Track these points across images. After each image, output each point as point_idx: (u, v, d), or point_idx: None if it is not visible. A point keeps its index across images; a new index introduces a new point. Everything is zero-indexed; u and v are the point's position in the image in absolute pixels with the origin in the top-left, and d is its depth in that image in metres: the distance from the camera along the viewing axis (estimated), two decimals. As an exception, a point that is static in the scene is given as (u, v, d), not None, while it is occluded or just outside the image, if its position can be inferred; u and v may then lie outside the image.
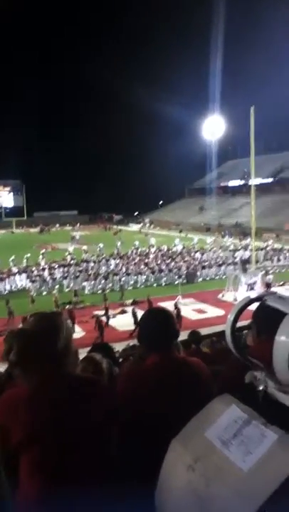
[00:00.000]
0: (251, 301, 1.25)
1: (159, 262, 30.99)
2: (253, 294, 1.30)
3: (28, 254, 34.89)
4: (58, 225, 76.22)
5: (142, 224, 74.76)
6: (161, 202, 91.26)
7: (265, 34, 76.38)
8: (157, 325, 2.08)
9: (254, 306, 1.51)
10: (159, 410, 1.81)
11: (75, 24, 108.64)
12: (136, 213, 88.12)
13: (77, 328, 19.15)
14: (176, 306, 19.76)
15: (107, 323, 19.81)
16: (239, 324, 1.35)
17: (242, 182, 75.46)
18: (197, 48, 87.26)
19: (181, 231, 60.31)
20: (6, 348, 1.62)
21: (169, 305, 20.25)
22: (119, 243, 41.00)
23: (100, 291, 25.69)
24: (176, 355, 2.09)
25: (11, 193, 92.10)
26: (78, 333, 18.49)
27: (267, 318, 1.79)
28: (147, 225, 73.93)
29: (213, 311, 21.57)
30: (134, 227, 73.26)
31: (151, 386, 1.90)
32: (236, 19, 76.93)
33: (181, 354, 2.67)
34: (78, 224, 71.55)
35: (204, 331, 10.38)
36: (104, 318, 19.78)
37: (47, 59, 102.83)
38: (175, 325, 2.15)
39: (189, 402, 1.51)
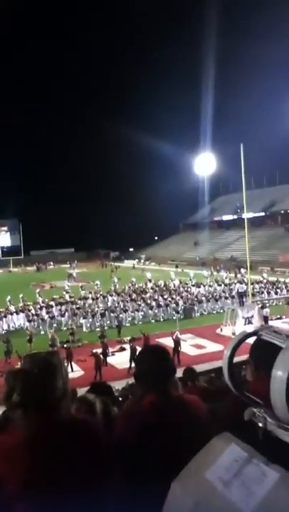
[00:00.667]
0: (247, 336, 1.25)
1: (156, 297, 30.88)
2: (251, 328, 1.30)
3: (22, 294, 34.68)
4: (52, 263, 76.19)
5: (136, 260, 74.93)
6: (156, 238, 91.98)
7: (254, 73, 79.49)
8: (153, 363, 2.06)
9: (252, 340, 1.51)
10: (157, 451, 1.77)
11: (68, 63, 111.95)
12: (131, 249, 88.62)
13: (75, 367, 18.89)
14: (175, 340, 19.51)
15: (105, 361, 19.51)
16: (238, 359, 1.34)
17: (235, 216, 76.40)
18: (188, 86, 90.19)
19: (177, 266, 60.44)
20: (8, 390, 1.60)
21: (167, 341, 20.06)
22: (116, 280, 40.97)
23: (97, 329, 25.42)
24: (173, 393, 2.06)
25: (8, 233, 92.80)
26: (77, 372, 18.23)
27: (263, 352, 1.78)
28: (142, 260, 74.07)
29: (212, 346, 21.35)
30: (130, 263, 73.33)
31: (148, 427, 1.87)
32: (227, 58, 79.85)
33: (179, 391, 2.63)
34: (75, 261, 71.64)
35: (203, 367, 10.28)
36: (102, 356, 19.49)
37: (40, 98, 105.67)
38: (171, 362, 2.13)
39: (188, 442, 1.48)
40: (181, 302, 29.75)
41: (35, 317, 27.55)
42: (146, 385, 2.05)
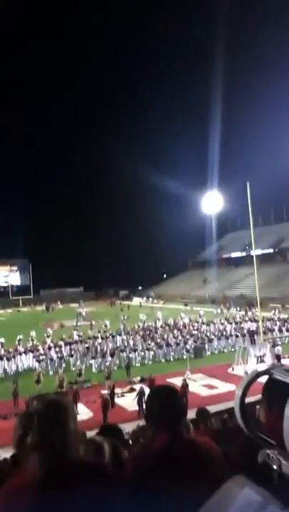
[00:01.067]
0: (258, 375, 1.23)
1: (165, 336, 30.52)
2: (262, 367, 1.28)
3: (33, 333, 34.56)
4: (59, 303, 75.85)
5: (144, 298, 74.65)
6: (164, 275, 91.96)
7: (260, 110, 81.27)
8: (164, 404, 2.03)
9: (264, 379, 1.48)
10: (169, 493, 1.72)
11: (75, 95, 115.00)
12: (139, 288, 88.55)
13: (84, 409, 18.51)
14: (183, 385, 19.06)
15: (112, 402, 19.08)
16: (251, 399, 1.32)
17: (243, 253, 76.42)
18: (196, 123, 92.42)
19: (186, 304, 60.05)
20: (21, 432, 1.58)
21: (177, 381, 19.66)
22: (125, 317, 40.72)
23: (106, 369, 25.05)
24: (184, 435, 2.02)
25: (18, 272, 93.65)
26: (85, 414, 17.82)
27: (276, 392, 1.75)
28: (150, 298, 73.68)
29: (223, 386, 20.86)
30: (138, 301, 73.06)
31: (160, 470, 1.82)
32: (234, 95, 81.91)
33: (191, 433, 2.57)
34: (81, 301, 71.73)
35: (215, 408, 10.02)
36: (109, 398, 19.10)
37: (44, 135, 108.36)
38: (182, 403, 2.10)
39: (200, 485, 1.43)
40: (191, 341, 29.35)
41: (44, 357, 27.28)
42: (157, 426, 2.01)
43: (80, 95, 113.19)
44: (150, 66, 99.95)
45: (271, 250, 71.28)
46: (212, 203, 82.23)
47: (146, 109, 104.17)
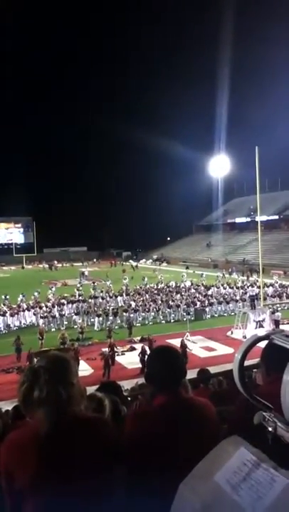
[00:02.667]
0: (258, 340, 1.24)
1: (167, 298, 30.83)
2: (262, 332, 1.29)
3: (37, 291, 34.97)
4: (55, 262, 75.31)
5: (148, 260, 74.80)
6: (168, 238, 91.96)
7: (270, 76, 78.98)
8: (164, 364, 2.06)
9: (263, 344, 1.49)
10: (166, 452, 1.77)
11: (84, 62, 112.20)
12: (139, 250, 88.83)
13: (85, 365, 18.94)
14: (182, 345, 19.41)
15: (112, 360, 19.52)
16: (248, 363, 1.33)
17: (248, 219, 75.95)
18: (203, 87, 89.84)
19: (187, 267, 60.27)
20: (27, 388, 1.61)
21: (177, 342, 20.00)
22: (126, 279, 41.04)
23: (107, 328, 25.47)
24: (183, 395, 2.06)
25: (22, 230, 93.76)
26: (86, 370, 18.25)
27: (275, 357, 1.77)
28: (156, 261, 73.76)
29: (222, 349, 21.25)
30: (141, 263, 73.31)
31: (158, 428, 1.87)
32: (244, 61, 79.51)
33: (190, 393, 2.63)
34: (85, 260, 71.92)
35: (213, 370, 10.21)
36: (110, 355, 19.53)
37: (54, 97, 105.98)
38: (183, 364, 2.12)
39: (197, 444, 1.47)
40: (192, 304, 29.67)
41: (47, 314, 27.73)
42: (157, 386, 2.05)
43: (85, 59, 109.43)
44: (158, 31, 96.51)
45: (276, 217, 70.69)
46: (219, 167, 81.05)
47: (155, 73, 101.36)
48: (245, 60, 79.75)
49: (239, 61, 77.51)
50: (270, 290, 33.51)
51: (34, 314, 28.12)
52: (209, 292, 33.95)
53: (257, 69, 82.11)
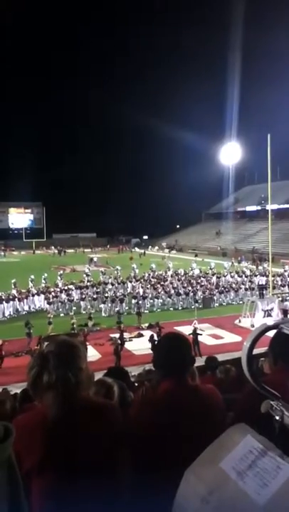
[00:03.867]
0: (268, 329, 1.23)
1: (175, 285, 30.88)
2: (270, 321, 1.28)
3: (45, 275, 35.20)
4: (59, 248, 75.59)
5: (149, 247, 74.53)
6: (178, 226, 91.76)
7: (282, 63, 77.61)
8: (172, 351, 2.07)
9: (271, 333, 1.49)
10: (170, 438, 1.78)
11: (91, 49, 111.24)
12: (145, 237, 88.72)
13: (93, 351, 19.08)
14: (194, 332, 19.42)
15: (121, 346, 19.67)
16: (256, 351, 1.33)
17: (259, 207, 75.37)
18: (215, 74, 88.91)
19: (196, 255, 60.16)
20: (36, 372, 1.63)
21: (184, 329, 20.04)
22: (135, 266, 41.09)
23: (117, 315, 25.57)
24: (189, 382, 2.07)
25: (32, 215, 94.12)
26: (94, 356, 18.40)
27: (283, 346, 1.77)
28: (167, 249, 73.53)
29: (229, 337, 21.29)
30: (151, 250, 73.28)
31: (163, 413, 1.88)
32: (255, 47, 78.17)
33: (197, 381, 2.64)
34: (95, 247, 72.04)
35: (220, 357, 10.25)
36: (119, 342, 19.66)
37: (66, 85, 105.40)
38: (190, 351, 2.13)
39: (201, 430, 1.48)
40: (200, 291, 29.68)
41: (55, 299, 27.92)
42: (164, 372, 2.06)
43: (98, 45, 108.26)
44: (168, 17, 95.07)
45: (287, 206, 70.03)
46: (230, 154, 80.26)
47: (165, 59, 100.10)
48: (257, 46, 78.34)
49: (251, 47, 76.28)
50: (279, 279, 33.35)
51: (45, 299, 28.30)
52: (218, 280, 33.92)
53: (269, 55, 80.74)
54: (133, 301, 27.55)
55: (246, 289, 30.67)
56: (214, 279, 34.61)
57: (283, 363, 1.81)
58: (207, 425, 1.73)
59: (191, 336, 18.69)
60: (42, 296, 29.01)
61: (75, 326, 22.05)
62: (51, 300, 27.66)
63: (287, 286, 31.86)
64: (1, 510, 0.90)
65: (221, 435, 1.08)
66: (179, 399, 1.94)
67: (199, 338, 19.67)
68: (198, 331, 19.79)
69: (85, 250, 71.85)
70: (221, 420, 1.91)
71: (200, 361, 9.31)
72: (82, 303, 28.16)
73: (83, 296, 28.85)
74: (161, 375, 2.08)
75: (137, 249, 74.63)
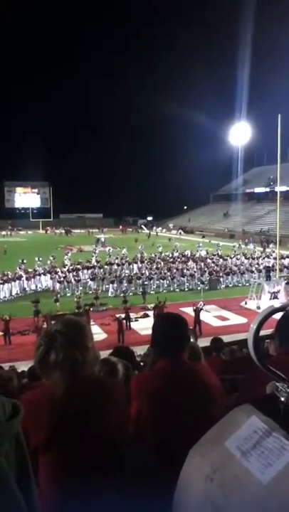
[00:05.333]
0: (275, 311, 1.23)
1: (181, 267, 30.89)
2: (277, 303, 1.28)
3: (53, 256, 35.35)
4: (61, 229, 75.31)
5: (154, 228, 74.27)
6: (185, 207, 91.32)
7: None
8: (168, 330, 2.12)
9: (277, 316, 1.49)
10: (165, 415, 1.82)
11: (101, 29, 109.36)
12: (149, 218, 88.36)
13: (99, 330, 19.26)
14: (196, 310, 19.59)
15: (128, 325, 19.85)
16: (261, 333, 1.33)
17: (267, 189, 74.68)
18: (224, 55, 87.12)
19: (203, 236, 60.00)
20: (44, 351, 1.65)
21: (190, 310, 20.15)
22: (141, 247, 41.12)
23: (122, 294, 25.71)
24: (184, 361, 2.10)
25: (39, 195, 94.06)
26: (100, 334, 18.58)
27: (290, 328, 1.77)
28: (178, 230, 73.19)
29: (235, 319, 21.37)
30: (158, 231, 73.15)
31: (157, 391, 1.92)
32: (265, 27, 76.30)
33: (202, 361, 2.66)
34: (102, 227, 71.99)
35: (226, 339, 10.30)
36: (125, 321, 19.84)
37: (74, 68, 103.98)
38: (187, 331, 2.17)
39: (196, 408, 1.51)
40: (206, 273, 29.67)
41: (63, 279, 28.09)
42: (160, 351, 2.10)
43: (108, 30, 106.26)
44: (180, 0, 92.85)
45: (296, 187, 69.32)
46: (239, 135, 79.19)
47: (175, 40, 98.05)
48: (268, 27, 76.48)
49: (261, 27, 74.51)
50: (286, 261, 33.23)
51: (51, 279, 28.49)
52: (224, 262, 33.88)
53: (279, 35, 78.78)
54: (137, 281, 27.65)
55: (252, 272, 30.63)
56: (221, 260, 34.57)
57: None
58: (203, 402, 1.77)
59: (194, 313, 18.90)
60: (49, 275, 29.18)
61: (81, 304, 22.24)
62: (58, 279, 27.81)
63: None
64: (10, 486, 0.92)
65: (226, 415, 1.09)
66: (173, 377, 1.99)
67: (205, 319, 19.80)
68: (203, 310, 20.03)
69: (93, 231, 71.86)
70: (215, 396, 1.96)
71: (205, 342, 9.36)
72: (89, 283, 28.31)
73: (91, 277, 28.98)
74: (158, 353, 2.12)
75: (144, 227, 74.39)
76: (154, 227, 74.87)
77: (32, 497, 1.02)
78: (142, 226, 76.45)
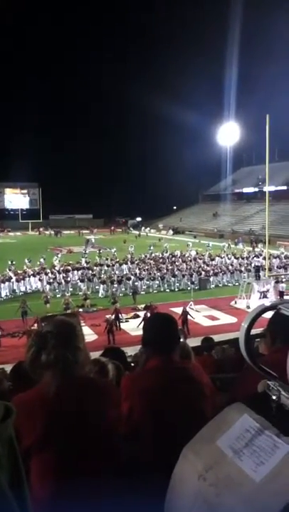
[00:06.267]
0: (266, 309, 1.23)
1: (171, 267, 30.94)
2: (266, 302, 1.29)
3: (43, 257, 35.18)
4: (58, 230, 73.64)
5: (143, 228, 74.23)
6: (174, 207, 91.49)
7: (280, 43, 76.26)
8: (159, 330, 2.15)
9: (268, 315, 1.50)
10: (155, 412, 1.84)
11: (90, 29, 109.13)
12: (139, 218, 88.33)
13: (89, 331, 19.21)
14: (183, 312, 19.64)
15: (118, 326, 19.82)
16: (252, 332, 1.33)
17: (256, 189, 75.12)
18: (213, 54, 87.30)
19: (195, 237, 60.21)
20: (35, 352, 1.65)
21: (180, 310, 20.18)
22: (132, 248, 41.11)
23: (112, 295, 25.66)
24: (175, 360, 2.13)
25: (28, 196, 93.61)
26: (90, 335, 18.53)
27: (281, 327, 1.79)
28: (169, 230, 73.26)
29: (225, 318, 21.45)
30: (145, 231, 73.15)
31: (149, 389, 1.94)
32: (253, 27, 76.90)
33: (193, 360, 2.67)
34: (92, 228, 71.86)
35: (216, 338, 10.34)
36: (115, 321, 19.83)
37: (63, 65, 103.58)
38: (177, 331, 2.19)
39: (187, 406, 1.52)
40: (196, 273, 29.74)
41: (52, 280, 27.96)
42: (151, 350, 2.12)
43: (98, 23, 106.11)
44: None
45: (285, 187, 69.82)
46: (228, 135, 79.50)
47: (163, 37, 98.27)
48: (256, 24, 77.08)
49: (249, 25, 75.04)
50: (275, 261, 33.45)
51: (40, 280, 28.38)
52: (214, 262, 34.00)
53: (268, 33, 79.37)
54: (127, 282, 27.63)
55: (242, 271, 30.77)
56: (210, 260, 34.69)
57: (281, 344, 1.83)
58: (195, 401, 1.79)
59: (181, 315, 18.99)
60: (38, 277, 29.03)
61: (70, 306, 22.14)
62: (48, 280, 27.68)
63: (283, 268, 31.98)
64: (3, 489, 0.91)
65: (218, 414, 1.09)
66: (164, 375, 2.01)
67: (195, 319, 19.84)
68: (190, 311, 20.12)
69: (83, 232, 71.59)
70: (205, 394, 1.99)
71: (196, 341, 9.39)
72: (79, 284, 28.23)
73: (80, 278, 28.90)
74: (149, 352, 2.14)
75: (132, 230, 74.42)
76: (143, 228, 74.81)
77: (25, 499, 1.01)
78: (130, 228, 76.43)
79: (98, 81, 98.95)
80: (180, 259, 34.88)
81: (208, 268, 31.35)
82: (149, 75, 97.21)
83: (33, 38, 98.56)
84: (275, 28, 73.67)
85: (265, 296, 24.15)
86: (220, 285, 29.77)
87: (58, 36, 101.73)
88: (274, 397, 1.06)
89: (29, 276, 29.08)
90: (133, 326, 20.02)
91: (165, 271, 29.77)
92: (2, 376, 5.38)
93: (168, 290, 28.26)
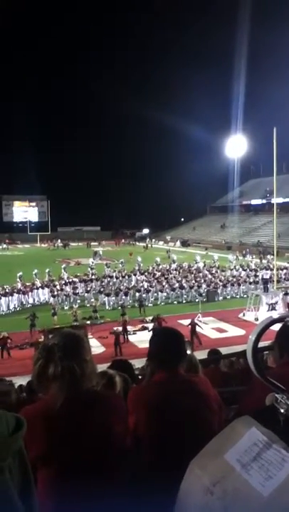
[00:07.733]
0: (274, 322, 1.23)
1: (179, 279, 30.86)
2: (275, 314, 1.28)
3: (49, 269, 35.26)
4: (59, 241, 75.11)
5: (147, 240, 74.26)
6: (182, 219, 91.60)
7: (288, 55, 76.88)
8: (166, 344, 2.16)
9: (276, 327, 1.49)
10: (162, 426, 1.82)
11: (100, 41, 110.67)
12: (145, 230, 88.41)
13: (97, 343, 19.16)
14: (191, 323, 19.55)
15: (125, 338, 19.78)
16: (260, 345, 1.33)
17: (264, 201, 75.05)
18: (221, 67, 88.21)
19: (206, 249, 60.17)
20: (42, 364, 1.65)
21: (188, 323, 20.10)
22: (139, 259, 41.10)
23: (120, 307, 25.62)
24: (181, 373, 2.12)
25: (36, 208, 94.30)
26: (98, 347, 18.47)
27: (289, 339, 1.78)
28: (174, 243, 73.36)
29: (233, 331, 21.30)
30: (151, 243, 73.15)
31: (154, 402, 1.93)
32: (260, 40, 77.39)
33: (200, 373, 2.66)
34: (100, 240, 71.95)
35: (224, 351, 10.26)
36: (123, 333, 19.78)
37: (69, 76, 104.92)
38: (183, 345, 2.19)
39: (192, 417, 1.51)
40: (204, 285, 29.63)
41: (60, 292, 27.99)
42: (157, 364, 2.12)
43: (101, 36, 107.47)
44: (174, 7, 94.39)
45: (292, 199, 69.69)
46: (236, 147, 79.76)
47: (171, 50, 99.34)
48: (264, 37, 77.52)
49: (258, 39, 75.51)
50: (283, 273, 33.25)
51: (50, 292, 28.39)
52: (222, 274, 33.87)
53: (276, 48, 79.85)
54: (137, 294, 27.58)
55: (250, 283, 30.60)
56: (218, 272, 34.55)
57: (288, 357, 1.82)
58: (201, 414, 1.78)
59: (190, 326, 18.92)
60: (46, 289, 29.08)
61: (77, 318, 22.10)
62: (56, 293, 27.71)
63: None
64: (14, 499, 0.92)
65: (226, 427, 1.08)
66: (170, 389, 2.00)
67: (203, 331, 19.74)
68: (198, 323, 20.04)
69: (92, 243, 71.75)
70: (211, 408, 1.97)
71: (203, 354, 9.32)
72: (86, 296, 28.23)
73: (88, 289, 28.90)
74: (155, 366, 2.14)
75: (138, 243, 74.50)
76: (148, 239, 74.81)
77: (33, 509, 1.02)
78: (136, 240, 76.59)
79: (105, 96, 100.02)
80: (188, 271, 34.78)
81: (217, 280, 31.23)
82: (159, 90, 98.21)
83: (44, 49, 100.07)
84: (282, 41, 74.27)
85: (273, 309, 23.98)
86: (228, 297, 29.61)
87: (65, 47, 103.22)
88: (282, 411, 1.05)
89: (37, 289, 29.16)
90: (141, 338, 19.94)
91: (173, 283, 29.66)
92: (11, 388, 5.37)
93: (175, 302, 28.16)
